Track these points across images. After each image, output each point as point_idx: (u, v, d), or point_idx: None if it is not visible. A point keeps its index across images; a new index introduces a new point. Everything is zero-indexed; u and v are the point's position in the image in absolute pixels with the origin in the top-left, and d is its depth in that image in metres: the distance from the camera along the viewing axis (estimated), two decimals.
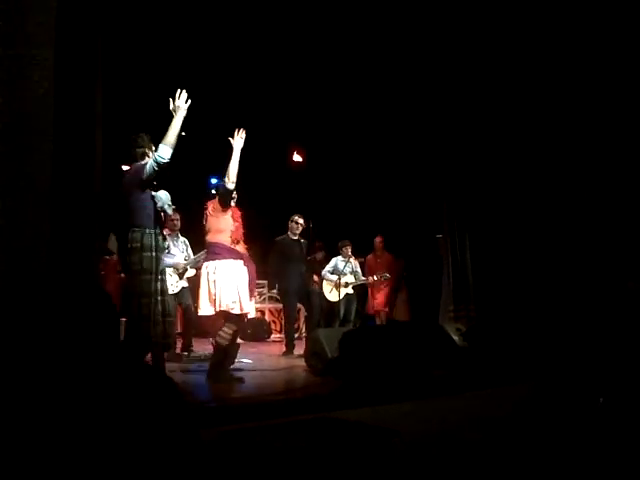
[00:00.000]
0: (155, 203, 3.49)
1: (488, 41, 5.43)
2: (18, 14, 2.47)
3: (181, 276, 5.37)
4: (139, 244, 3.41)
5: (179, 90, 3.51)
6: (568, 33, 4.94)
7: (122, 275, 6.60)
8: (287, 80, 6.65)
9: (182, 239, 5.53)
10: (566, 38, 4.98)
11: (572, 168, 5.28)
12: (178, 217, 5.46)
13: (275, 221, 6.65)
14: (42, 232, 2.52)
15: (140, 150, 3.59)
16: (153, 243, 3.44)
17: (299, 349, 5.57)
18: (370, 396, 3.34)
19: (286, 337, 6.03)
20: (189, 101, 3.53)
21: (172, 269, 5.33)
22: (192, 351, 5.38)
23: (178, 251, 5.42)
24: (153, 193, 3.50)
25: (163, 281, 3.58)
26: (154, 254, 3.44)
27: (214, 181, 6.85)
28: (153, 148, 3.55)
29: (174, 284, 5.33)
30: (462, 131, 6.19)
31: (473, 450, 2.45)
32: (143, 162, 3.53)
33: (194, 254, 5.38)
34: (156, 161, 3.40)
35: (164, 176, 3.55)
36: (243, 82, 6.66)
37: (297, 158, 8.14)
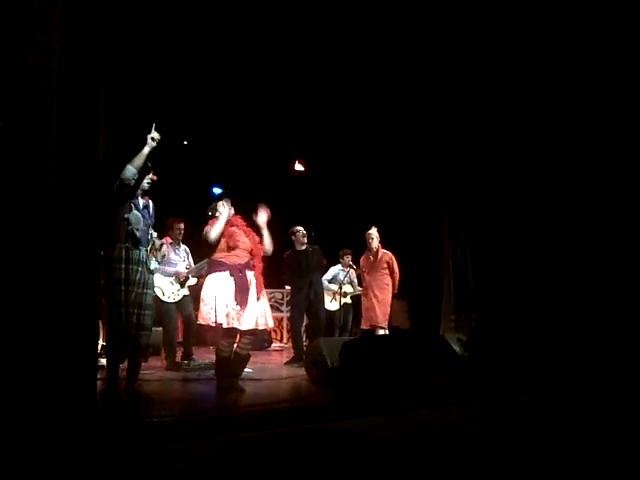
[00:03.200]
0: (128, 223, 3.62)
1: (491, 47, 5.43)
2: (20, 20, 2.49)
3: (182, 284, 5.37)
4: (110, 257, 3.58)
5: (154, 124, 3.69)
6: (567, 37, 4.93)
7: None
8: (287, 88, 6.65)
9: (183, 247, 5.54)
10: (565, 43, 4.97)
11: (575, 175, 5.27)
12: (181, 226, 5.47)
13: (278, 230, 6.65)
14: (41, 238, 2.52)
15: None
16: (123, 256, 3.59)
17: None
18: (370, 406, 3.32)
19: (293, 347, 6.06)
20: (159, 137, 3.70)
21: (173, 277, 5.34)
22: (193, 360, 5.36)
23: (179, 259, 5.43)
24: (126, 215, 3.64)
25: (144, 294, 3.65)
26: (123, 266, 3.58)
27: (217, 190, 6.87)
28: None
29: (175, 292, 5.33)
30: (463, 139, 6.20)
31: (474, 461, 2.43)
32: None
33: (195, 263, 5.38)
34: (120, 179, 3.59)
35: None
36: (245, 92, 6.67)
37: (299, 167, 8.16)
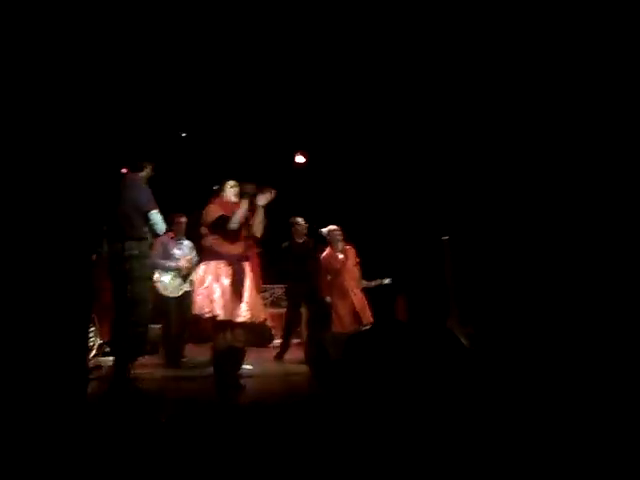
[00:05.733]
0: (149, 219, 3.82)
1: (490, 49, 5.32)
2: None
3: (184, 279, 5.24)
4: (137, 252, 3.69)
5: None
6: (565, 38, 4.81)
7: None
8: (289, 83, 6.54)
9: (187, 242, 5.41)
10: (564, 46, 4.85)
11: (575, 171, 5.13)
12: (184, 220, 5.34)
13: (280, 222, 6.52)
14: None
15: (144, 173, 3.99)
16: (146, 251, 3.81)
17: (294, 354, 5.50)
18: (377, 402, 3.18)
19: (281, 340, 5.96)
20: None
21: (175, 272, 5.21)
22: (184, 357, 5.25)
23: (182, 254, 5.30)
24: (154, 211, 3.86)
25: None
26: (148, 261, 3.83)
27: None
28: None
29: (177, 287, 5.22)
30: (469, 131, 6.07)
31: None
32: (135, 184, 3.87)
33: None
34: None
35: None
36: (247, 84, 6.55)
37: (300, 160, 8.03)
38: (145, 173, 3.98)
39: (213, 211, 3.92)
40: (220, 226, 3.86)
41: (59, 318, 2.42)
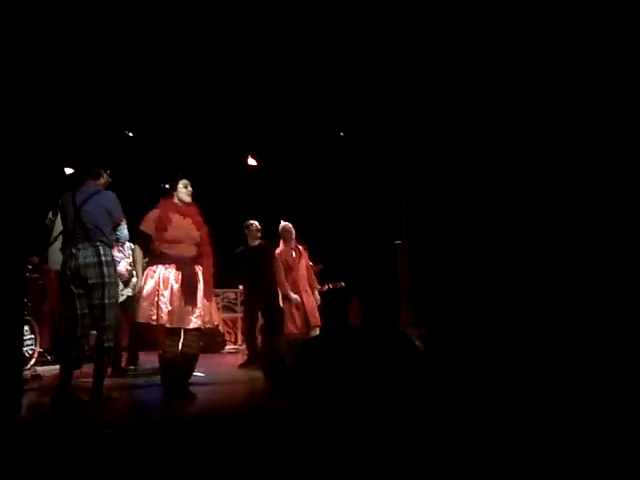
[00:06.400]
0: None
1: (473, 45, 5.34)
2: None
3: (126, 284, 5.01)
4: (110, 258, 3.73)
5: None
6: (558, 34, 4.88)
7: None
8: (240, 83, 6.43)
9: (128, 244, 5.19)
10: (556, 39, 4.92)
11: (547, 167, 5.19)
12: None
13: (232, 226, 6.38)
14: None
15: (102, 180, 3.92)
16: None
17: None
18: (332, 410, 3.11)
19: (247, 349, 5.78)
20: None
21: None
22: (139, 365, 5.02)
23: (122, 257, 5.07)
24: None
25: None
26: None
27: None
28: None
29: (119, 292, 4.99)
30: (421, 127, 6.08)
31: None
32: (104, 192, 3.81)
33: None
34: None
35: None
36: (200, 85, 6.40)
37: (252, 162, 7.92)
38: (103, 180, 3.92)
39: (153, 215, 3.88)
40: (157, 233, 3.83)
41: None
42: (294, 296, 5.30)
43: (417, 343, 4.83)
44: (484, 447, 2.45)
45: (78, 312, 3.61)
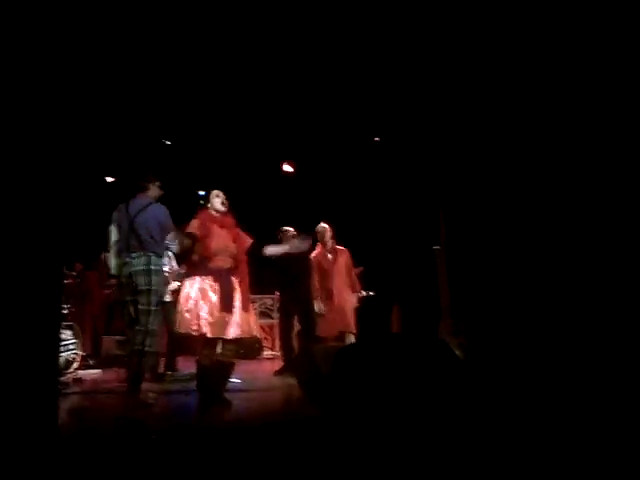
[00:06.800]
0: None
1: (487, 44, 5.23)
2: None
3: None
4: (159, 267, 3.98)
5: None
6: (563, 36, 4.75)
7: (106, 291, 6.34)
8: (276, 88, 6.44)
9: (170, 254, 5.27)
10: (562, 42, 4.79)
11: (576, 171, 5.03)
12: None
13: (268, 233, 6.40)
14: None
15: (152, 192, 4.18)
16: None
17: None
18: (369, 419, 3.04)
19: (282, 356, 5.74)
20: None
21: None
22: (176, 371, 5.06)
23: (164, 264, 5.14)
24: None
25: None
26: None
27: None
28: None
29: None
30: (463, 137, 5.97)
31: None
32: (155, 205, 4.08)
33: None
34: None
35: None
36: (234, 92, 6.45)
37: (287, 168, 7.92)
38: (153, 192, 4.16)
39: (193, 227, 3.92)
40: (189, 243, 3.89)
41: (25, 330, 2.26)
42: (320, 304, 5.30)
43: (457, 352, 4.72)
44: (524, 458, 2.36)
45: (132, 317, 3.87)
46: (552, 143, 4.91)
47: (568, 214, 4.80)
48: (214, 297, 3.71)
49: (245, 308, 3.84)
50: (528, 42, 4.75)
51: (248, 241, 4.05)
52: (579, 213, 4.59)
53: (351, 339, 5.37)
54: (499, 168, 5.58)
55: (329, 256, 5.52)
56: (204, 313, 3.66)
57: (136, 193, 4.14)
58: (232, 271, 3.88)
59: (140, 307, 3.81)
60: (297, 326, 5.93)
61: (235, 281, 3.86)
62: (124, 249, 3.95)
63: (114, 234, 4.10)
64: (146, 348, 3.78)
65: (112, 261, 4.10)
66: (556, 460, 2.30)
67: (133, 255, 3.89)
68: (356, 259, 6.02)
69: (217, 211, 4.01)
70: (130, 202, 4.07)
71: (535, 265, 5.27)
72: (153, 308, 3.84)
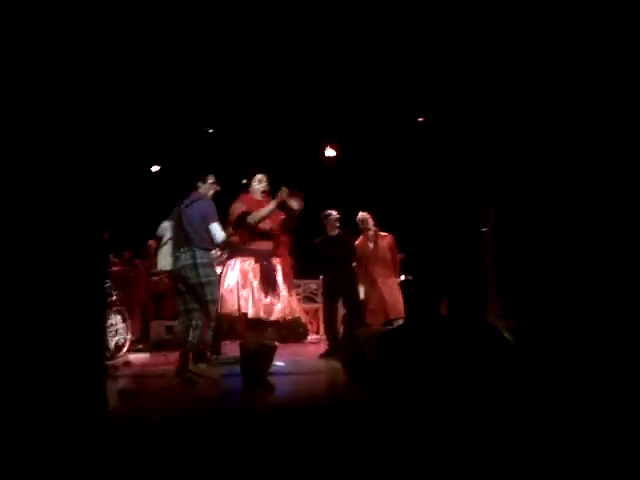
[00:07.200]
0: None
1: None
2: None
3: None
4: (206, 260, 4.14)
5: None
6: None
7: (153, 278, 6.47)
8: (316, 73, 6.37)
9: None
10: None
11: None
12: None
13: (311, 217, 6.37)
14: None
15: (204, 191, 4.35)
16: None
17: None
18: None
19: (327, 340, 5.73)
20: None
21: None
22: (220, 354, 5.13)
23: None
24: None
25: None
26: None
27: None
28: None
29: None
30: (509, 120, 5.77)
31: None
32: (202, 200, 4.25)
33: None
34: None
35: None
36: (273, 77, 6.41)
37: (330, 153, 7.84)
38: (203, 189, 4.32)
39: (236, 208, 3.83)
40: (244, 223, 3.77)
41: (70, 314, 2.31)
42: (362, 290, 5.37)
43: (506, 335, 4.58)
44: (573, 445, 2.26)
45: (182, 308, 4.20)
46: (612, 124, 4.67)
47: (625, 196, 4.57)
48: (255, 279, 3.70)
49: (287, 290, 3.82)
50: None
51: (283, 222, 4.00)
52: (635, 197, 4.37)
53: (399, 324, 5.33)
54: (549, 147, 5.35)
55: (370, 245, 5.52)
56: (245, 293, 3.66)
57: (190, 191, 4.35)
58: (273, 253, 3.86)
59: (202, 299, 4.05)
60: (342, 310, 5.92)
61: (276, 263, 3.84)
62: (175, 245, 4.18)
63: (169, 231, 4.28)
64: (194, 321, 4.09)
65: (162, 258, 4.30)
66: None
67: (181, 250, 4.11)
68: (400, 244, 5.94)
69: (256, 196, 3.99)
70: (184, 200, 4.29)
71: (586, 245, 5.05)
72: (209, 298, 4.02)
